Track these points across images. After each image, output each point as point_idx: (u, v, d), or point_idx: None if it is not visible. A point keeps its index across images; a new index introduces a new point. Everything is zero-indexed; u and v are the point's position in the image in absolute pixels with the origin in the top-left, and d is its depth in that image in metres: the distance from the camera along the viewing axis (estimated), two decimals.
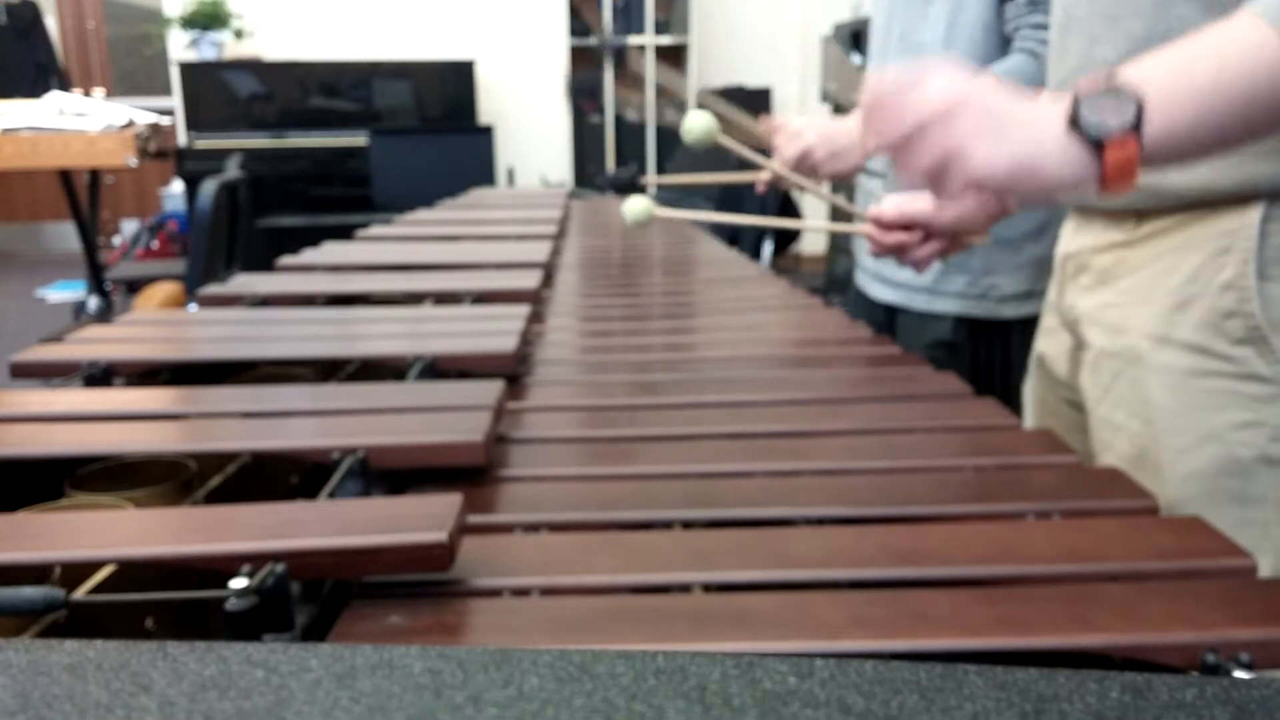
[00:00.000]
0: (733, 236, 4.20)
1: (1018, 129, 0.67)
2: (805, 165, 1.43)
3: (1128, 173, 0.64)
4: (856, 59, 4.43)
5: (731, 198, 4.18)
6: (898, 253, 1.12)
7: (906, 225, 1.10)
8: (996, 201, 1.07)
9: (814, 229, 1.37)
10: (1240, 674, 0.45)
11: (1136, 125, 0.64)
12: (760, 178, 1.51)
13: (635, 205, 1.23)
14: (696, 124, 1.30)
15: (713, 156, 1.64)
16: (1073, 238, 0.95)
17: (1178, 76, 0.65)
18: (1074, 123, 0.65)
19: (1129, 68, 0.67)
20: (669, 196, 4.05)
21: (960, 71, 0.69)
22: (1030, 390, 1.06)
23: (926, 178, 0.69)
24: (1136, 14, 0.79)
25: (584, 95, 1.93)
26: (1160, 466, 0.81)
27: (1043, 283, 1.38)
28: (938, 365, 1.05)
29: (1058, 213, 1.41)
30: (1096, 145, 0.64)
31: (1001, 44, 1.38)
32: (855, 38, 4.43)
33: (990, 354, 1.47)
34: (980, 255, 1.43)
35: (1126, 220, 0.85)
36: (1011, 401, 1.40)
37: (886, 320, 1.53)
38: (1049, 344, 1.02)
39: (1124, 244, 0.86)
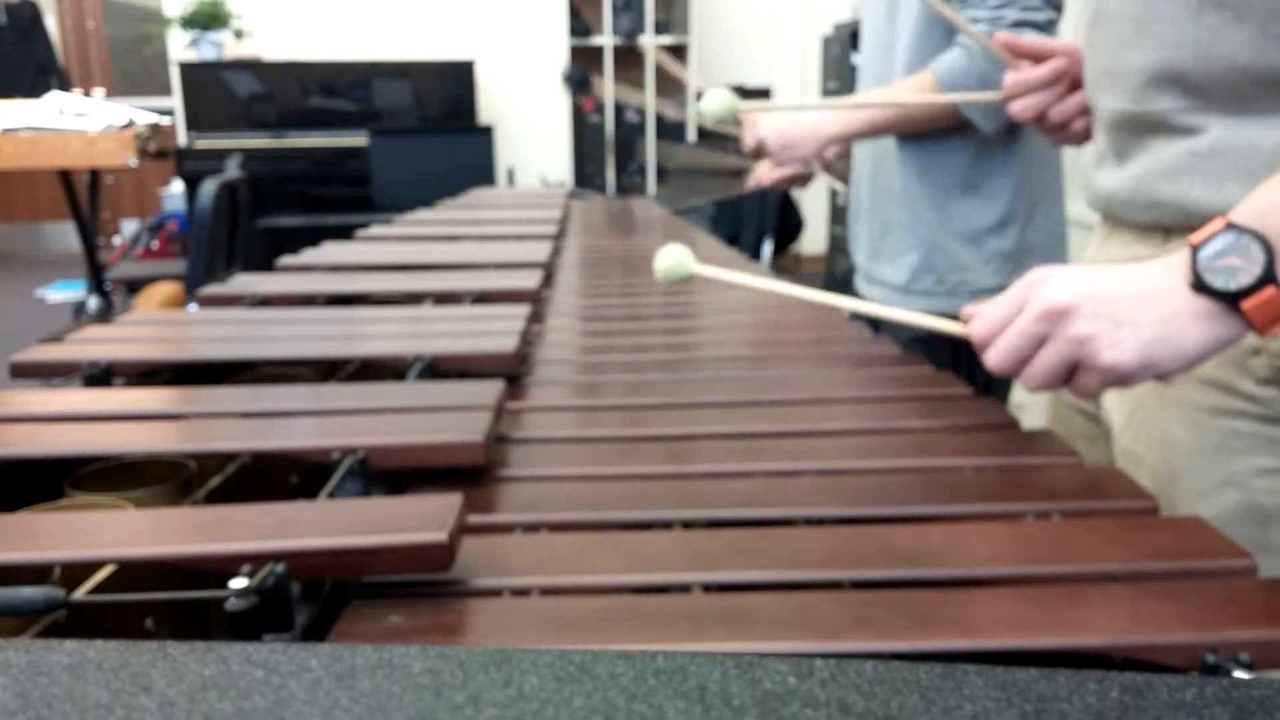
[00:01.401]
0: (733, 236, 4.20)
1: (1138, 308, 0.62)
2: (761, 156, 1.51)
3: (1276, 318, 0.60)
4: (857, 59, 4.44)
5: (729, 202, 4.18)
6: (1050, 105, 0.99)
7: (1048, 56, 0.99)
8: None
9: (936, 99, 1.33)
10: (1240, 674, 0.45)
11: (1269, 273, 0.59)
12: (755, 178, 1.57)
13: (668, 260, 0.97)
14: (716, 103, 1.29)
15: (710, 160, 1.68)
16: (1101, 246, 0.90)
17: None
18: (1199, 287, 0.61)
19: (1243, 207, 0.62)
20: (666, 195, 4.04)
21: (1061, 273, 0.66)
22: (1050, 414, 1.01)
23: (1058, 381, 0.66)
24: (1166, 19, 0.74)
25: (579, 85, 1.93)
26: (1176, 507, 0.77)
27: (1015, 276, 1.40)
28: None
29: (1020, 206, 1.44)
30: (1232, 303, 0.60)
31: (939, 43, 1.42)
32: (855, 38, 4.44)
33: (970, 351, 1.48)
34: (947, 253, 1.48)
35: (1154, 236, 0.81)
36: (990, 390, 1.43)
37: (872, 323, 1.55)
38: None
39: (1150, 259, 0.79)
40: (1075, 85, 0.98)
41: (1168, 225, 0.79)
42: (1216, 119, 0.74)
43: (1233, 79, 0.71)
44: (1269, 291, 0.59)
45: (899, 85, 1.44)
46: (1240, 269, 0.59)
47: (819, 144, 1.47)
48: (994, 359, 0.69)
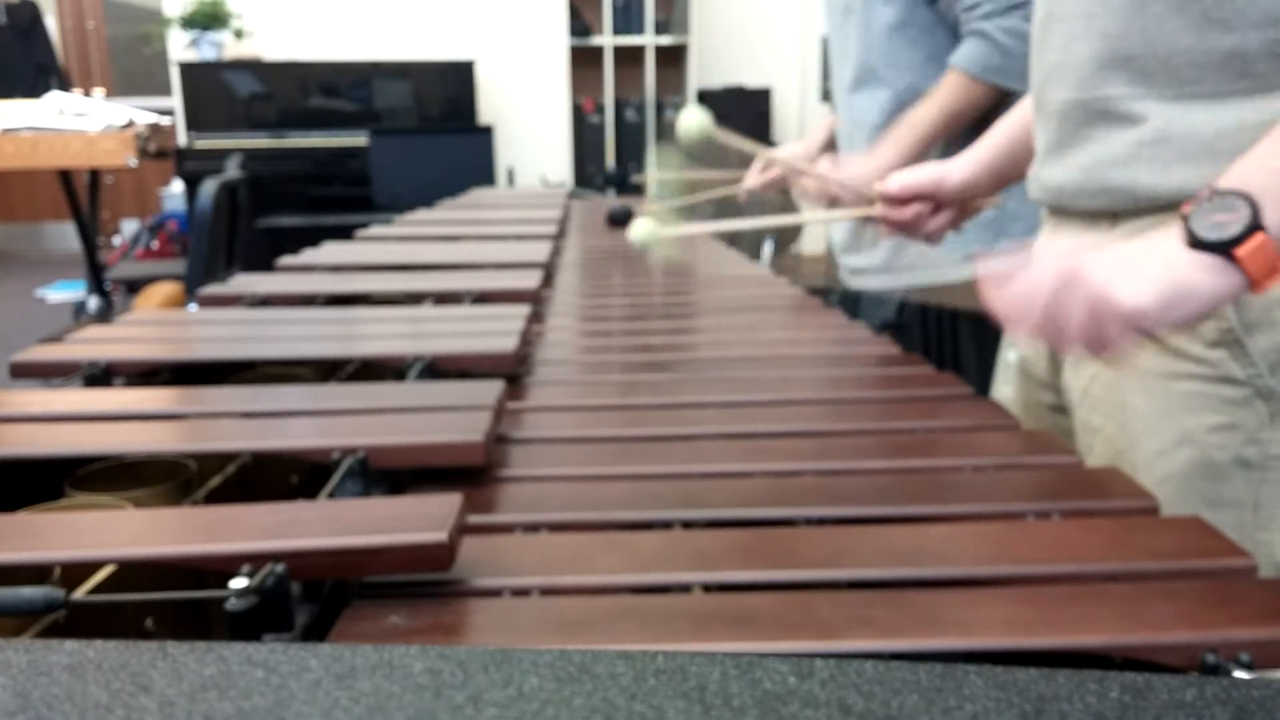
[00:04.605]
0: (732, 236, 4.20)
1: (1147, 264, 0.66)
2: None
3: (1272, 266, 0.64)
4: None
5: (730, 206, 4.18)
6: (911, 228, 1.13)
7: (914, 198, 1.12)
8: (1000, 163, 1.08)
9: (819, 220, 1.44)
10: (1240, 674, 0.45)
11: (1255, 221, 0.63)
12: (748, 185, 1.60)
13: (641, 229, 1.15)
14: (692, 121, 1.33)
15: (708, 161, 1.68)
16: (1049, 237, 0.95)
17: (1276, 165, 0.65)
18: (1195, 244, 0.65)
19: (1227, 174, 0.66)
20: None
21: (1067, 244, 0.71)
22: (1013, 395, 1.06)
23: (1085, 341, 0.69)
24: (1112, 12, 0.80)
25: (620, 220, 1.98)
26: (1136, 469, 0.81)
27: (996, 241, 1.47)
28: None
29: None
30: (1227, 254, 0.64)
31: (912, 41, 1.49)
32: None
33: (939, 320, 1.55)
34: None
35: (1101, 221, 0.85)
36: (959, 369, 1.48)
37: (854, 307, 1.60)
38: (1028, 346, 1.02)
39: (1099, 246, 0.85)
40: (939, 207, 1.12)
41: (1116, 210, 0.83)
42: (1158, 107, 0.78)
43: (1177, 63, 0.76)
44: (1259, 238, 0.63)
45: (931, 98, 1.45)
46: (1228, 222, 0.64)
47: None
48: (1025, 331, 0.72)
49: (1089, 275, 0.67)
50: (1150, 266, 0.66)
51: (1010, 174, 1.09)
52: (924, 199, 1.12)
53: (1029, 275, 0.71)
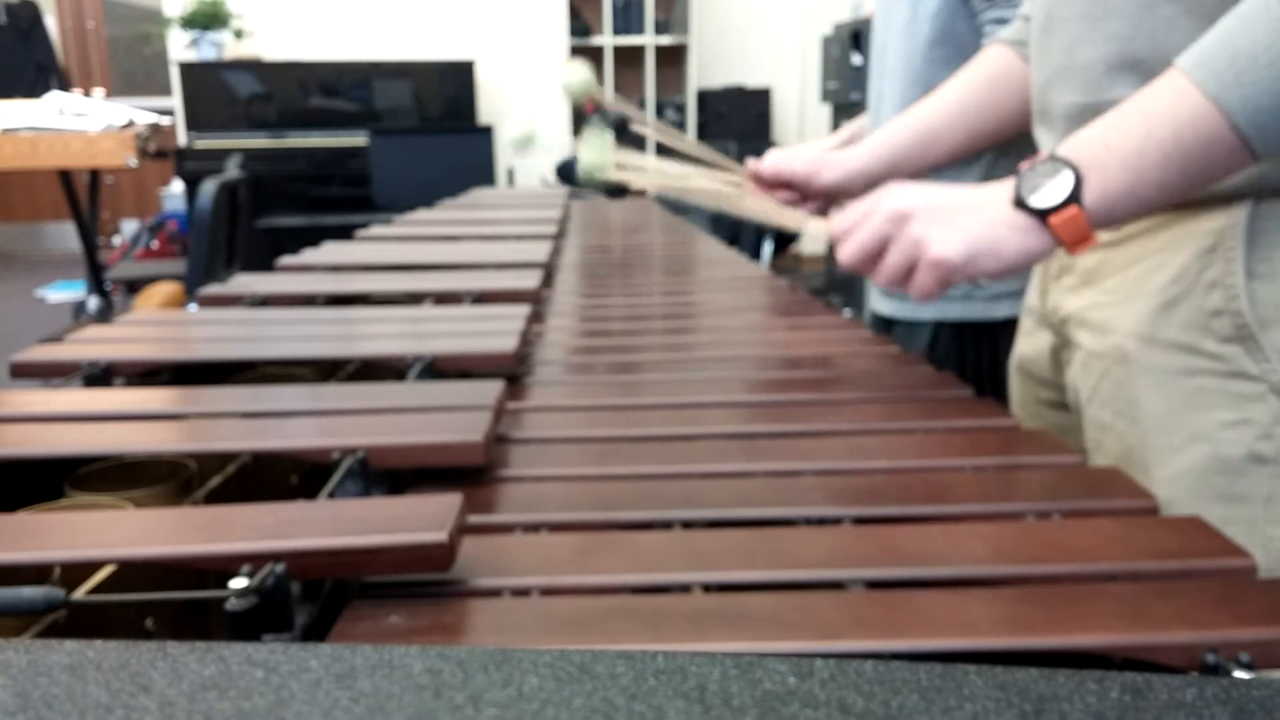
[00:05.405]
0: (733, 236, 4.21)
1: (967, 215, 0.74)
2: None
3: (1083, 236, 0.70)
4: (857, 59, 4.44)
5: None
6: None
7: (784, 184, 1.16)
8: (875, 169, 1.13)
9: (694, 191, 1.35)
10: (1240, 674, 0.45)
11: (1075, 194, 0.69)
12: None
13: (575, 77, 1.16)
14: (575, 78, 1.31)
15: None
16: None
17: (1109, 142, 0.70)
18: (1018, 203, 0.72)
19: (1067, 142, 0.72)
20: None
21: (910, 185, 0.78)
22: (1012, 395, 1.06)
23: (901, 278, 0.76)
24: (1119, 15, 0.79)
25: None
26: (1148, 465, 0.81)
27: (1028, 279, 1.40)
28: None
29: None
30: (1042, 218, 0.70)
31: (951, 32, 1.42)
32: (855, 38, 4.44)
33: (978, 358, 1.46)
34: None
35: None
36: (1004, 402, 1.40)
37: (886, 333, 1.53)
38: (1028, 345, 1.02)
39: (1108, 244, 0.85)
40: (805, 197, 1.17)
41: None
42: None
43: None
44: (1072, 210, 0.69)
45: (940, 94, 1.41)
46: (1050, 190, 0.70)
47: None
48: (845, 254, 0.79)
49: (912, 218, 0.74)
50: (968, 218, 0.73)
51: (885, 179, 1.11)
52: (793, 187, 1.14)
53: (866, 205, 0.78)
